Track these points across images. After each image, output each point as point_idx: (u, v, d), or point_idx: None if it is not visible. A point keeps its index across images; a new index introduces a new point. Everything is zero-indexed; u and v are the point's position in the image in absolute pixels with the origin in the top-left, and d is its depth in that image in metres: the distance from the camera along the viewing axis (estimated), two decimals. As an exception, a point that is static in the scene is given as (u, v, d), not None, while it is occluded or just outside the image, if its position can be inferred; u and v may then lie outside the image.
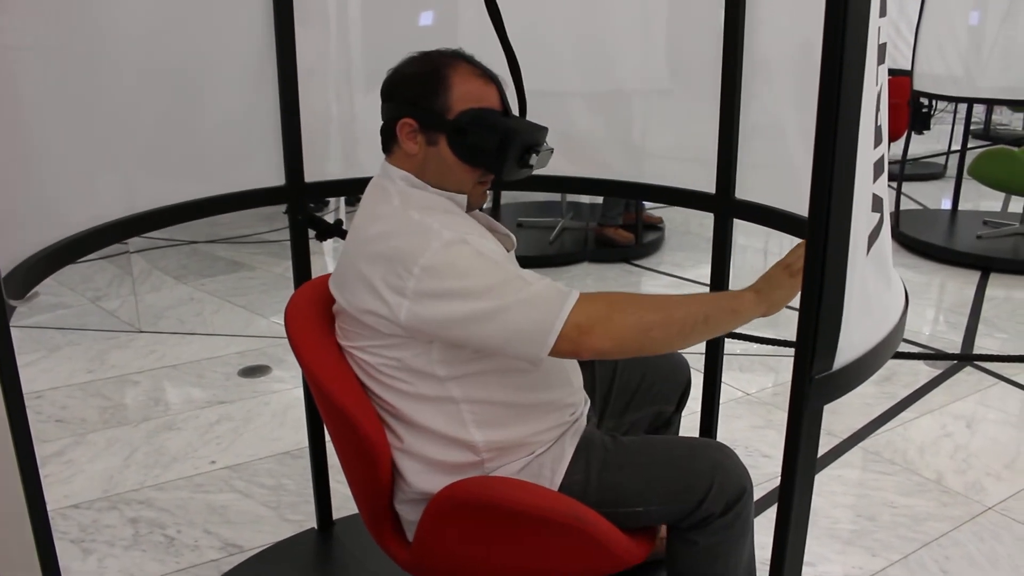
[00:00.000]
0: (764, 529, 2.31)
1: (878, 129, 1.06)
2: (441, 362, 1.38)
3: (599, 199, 5.12)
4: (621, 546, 1.41)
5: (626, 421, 1.80)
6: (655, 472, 1.48)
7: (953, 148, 6.79)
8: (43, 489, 1.13)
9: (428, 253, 1.29)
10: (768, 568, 1.08)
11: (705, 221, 5.54)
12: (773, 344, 3.50)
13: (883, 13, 1.03)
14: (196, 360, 3.46)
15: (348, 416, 1.40)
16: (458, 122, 1.39)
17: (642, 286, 4.49)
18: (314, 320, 1.53)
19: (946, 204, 6.06)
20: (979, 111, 8.80)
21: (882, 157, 1.11)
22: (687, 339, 1.36)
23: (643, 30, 2.07)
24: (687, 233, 5.34)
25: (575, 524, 1.37)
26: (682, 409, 1.91)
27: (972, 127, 6.41)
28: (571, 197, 5.23)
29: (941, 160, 7.47)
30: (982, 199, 5.93)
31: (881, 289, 1.16)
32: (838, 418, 2.98)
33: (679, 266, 4.74)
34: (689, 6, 1.98)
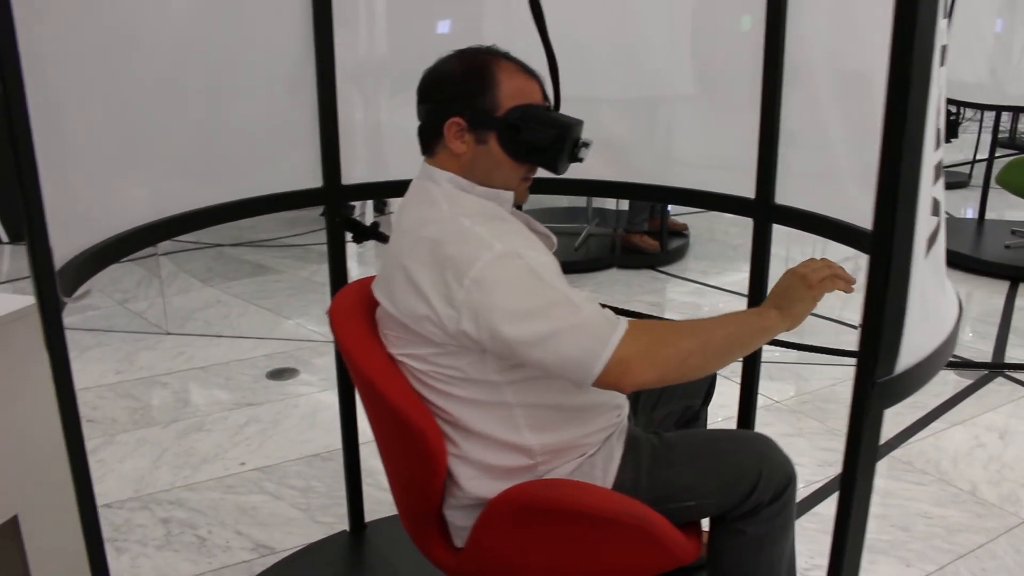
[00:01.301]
0: (800, 537, 2.31)
1: (938, 132, 1.05)
2: (496, 369, 1.37)
3: (624, 205, 5.11)
4: (678, 544, 1.41)
5: (656, 416, 1.81)
6: (704, 466, 1.50)
7: (979, 157, 6.75)
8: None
9: (479, 264, 1.27)
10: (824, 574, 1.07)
11: (730, 229, 5.57)
12: (814, 351, 3.48)
13: (945, 15, 1.02)
14: (224, 362, 3.47)
15: (406, 420, 1.38)
16: (508, 119, 1.39)
17: (667, 293, 4.47)
18: (361, 322, 1.52)
19: (971, 213, 6.02)
20: (1004, 119, 8.73)
21: (940, 160, 1.10)
22: (723, 362, 1.37)
23: (677, 36, 2.07)
24: (712, 240, 5.32)
25: (636, 523, 1.37)
26: (709, 402, 1.92)
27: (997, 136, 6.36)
28: (596, 203, 5.23)
29: (965, 169, 7.41)
30: (1007, 208, 5.88)
31: (937, 293, 1.15)
32: (868, 427, 2.95)
33: (704, 273, 4.72)
34: (722, 12, 1.98)
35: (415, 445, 1.39)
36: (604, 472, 1.48)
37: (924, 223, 1.02)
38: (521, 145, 1.40)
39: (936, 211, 1.10)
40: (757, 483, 1.48)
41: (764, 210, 1.86)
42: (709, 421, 2.02)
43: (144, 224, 1.62)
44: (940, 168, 1.10)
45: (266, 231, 5.20)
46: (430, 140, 1.45)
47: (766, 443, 1.53)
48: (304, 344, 3.66)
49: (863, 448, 0.99)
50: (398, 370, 1.44)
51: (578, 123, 1.45)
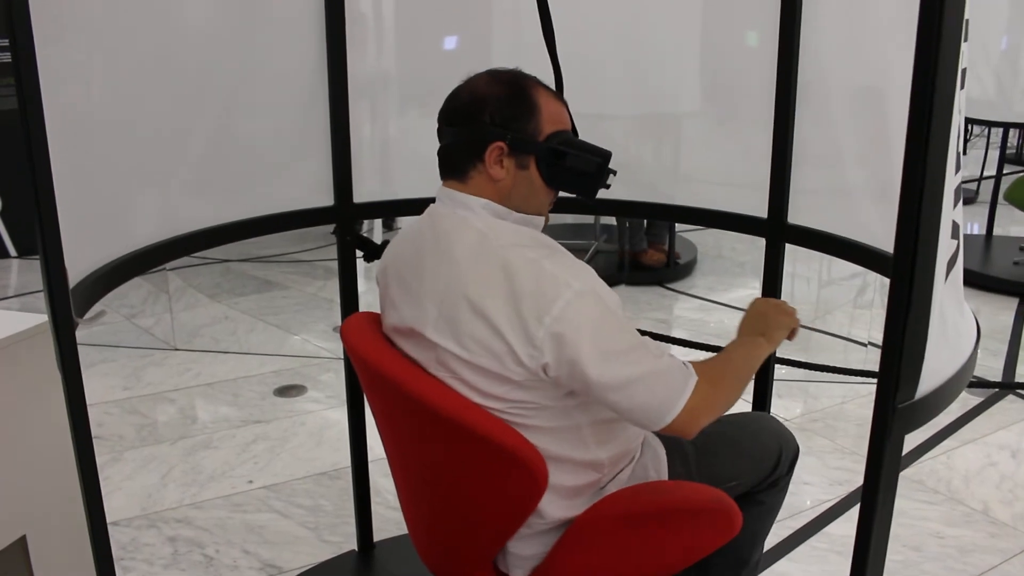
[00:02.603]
0: (809, 557, 2.29)
1: (957, 155, 1.05)
2: (567, 394, 1.33)
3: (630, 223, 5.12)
4: (740, 520, 1.45)
5: None
6: (739, 449, 1.62)
7: (987, 173, 6.74)
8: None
9: (560, 303, 1.23)
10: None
11: (737, 245, 5.55)
12: (839, 372, 3.47)
13: (965, 37, 1.02)
14: (231, 379, 3.47)
15: (509, 448, 1.27)
16: (550, 144, 1.35)
17: (675, 310, 4.46)
18: (391, 348, 1.44)
19: (978, 229, 6.00)
20: (1011, 135, 8.72)
21: (960, 183, 1.10)
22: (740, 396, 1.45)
23: (689, 53, 2.07)
24: (719, 257, 5.31)
25: (721, 507, 1.41)
26: None
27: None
28: (604, 219, 5.23)
29: (973, 186, 7.41)
30: (1015, 224, 5.87)
31: (956, 315, 1.14)
32: (879, 446, 2.94)
33: (711, 290, 4.71)
34: (734, 29, 1.98)
35: (516, 474, 1.29)
36: (656, 472, 1.52)
37: (944, 247, 1.02)
38: (563, 171, 1.36)
39: (955, 234, 1.09)
40: (779, 458, 1.65)
41: (777, 230, 1.85)
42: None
43: (158, 242, 1.62)
44: (959, 191, 1.10)
45: (273, 247, 5.20)
46: (463, 165, 1.37)
47: (776, 421, 1.74)
48: (311, 361, 3.66)
49: (883, 473, 0.98)
50: (460, 395, 1.34)
51: (609, 152, 1.43)
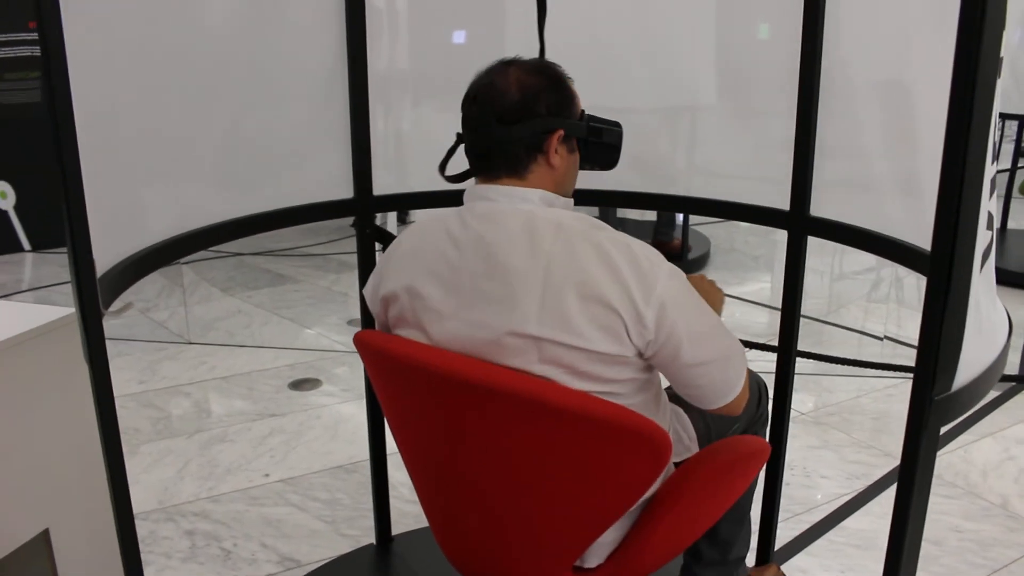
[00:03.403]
0: (827, 552, 2.28)
1: (994, 145, 1.04)
2: (647, 367, 1.36)
3: (649, 215, 5.12)
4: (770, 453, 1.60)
5: None
6: None
7: (1001, 167, 6.68)
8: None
9: (660, 284, 1.25)
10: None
11: (750, 238, 5.53)
12: (871, 367, 3.46)
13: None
14: (246, 372, 3.47)
15: (634, 427, 1.24)
16: (591, 125, 1.39)
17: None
18: (459, 355, 1.37)
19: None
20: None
21: (995, 173, 1.09)
22: None
23: (711, 45, 2.06)
24: (732, 250, 5.29)
25: (762, 449, 1.54)
26: None
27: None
28: (620, 213, 5.22)
29: (985, 178, 7.36)
30: (1026, 217, 5.85)
31: (990, 307, 1.13)
32: (895, 439, 2.92)
33: (725, 283, 4.65)
34: (755, 21, 1.97)
35: (644, 451, 1.26)
36: (686, 432, 1.58)
37: (980, 238, 1.01)
38: (598, 148, 1.40)
39: (990, 225, 1.08)
40: (761, 395, 1.79)
41: (799, 222, 1.84)
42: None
43: (180, 234, 1.62)
44: (995, 182, 1.09)
45: (286, 240, 5.20)
46: (525, 160, 1.35)
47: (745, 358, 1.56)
48: (326, 354, 3.66)
49: (920, 465, 0.97)
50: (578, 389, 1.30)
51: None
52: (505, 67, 1.36)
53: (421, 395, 1.38)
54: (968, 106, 0.86)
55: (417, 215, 4.99)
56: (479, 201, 1.36)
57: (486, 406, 1.28)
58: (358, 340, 1.44)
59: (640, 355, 1.29)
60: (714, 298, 1.60)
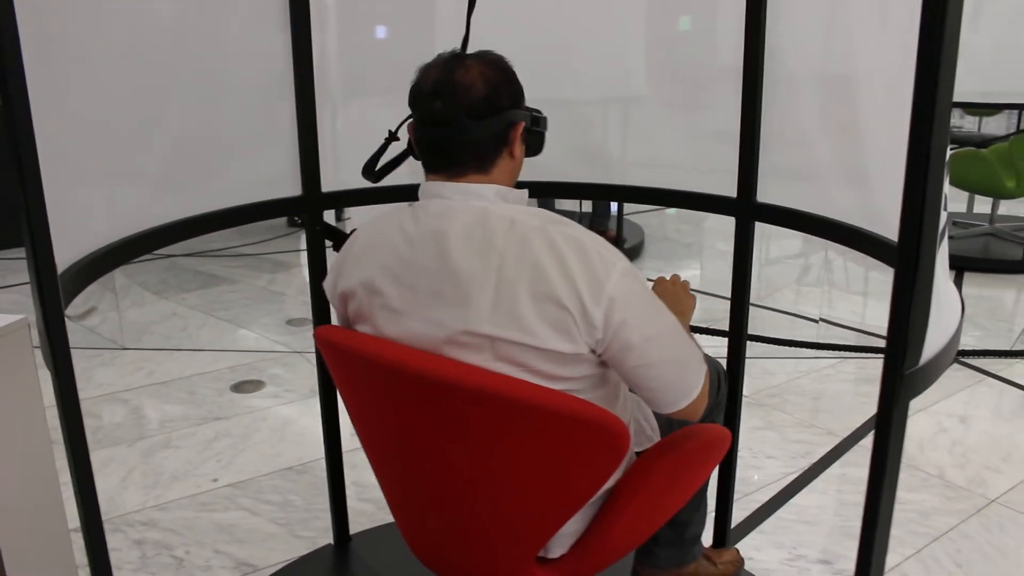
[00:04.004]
0: (778, 529, 2.35)
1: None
2: (601, 363, 1.34)
3: (587, 207, 5.17)
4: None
5: None
6: None
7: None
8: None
9: (612, 281, 1.24)
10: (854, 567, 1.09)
11: (682, 227, 5.63)
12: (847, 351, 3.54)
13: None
14: (186, 376, 3.39)
15: (595, 418, 1.23)
16: (536, 114, 1.38)
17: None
18: (419, 351, 1.36)
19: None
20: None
21: (948, 156, 1.13)
22: None
23: (657, 37, 2.09)
24: (664, 239, 5.39)
25: (723, 436, 1.55)
26: None
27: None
28: (558, 204, 5.26)
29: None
30: (949, 201, 6.08)
31: (946, 285, 1.18)
32: (835, 417, 3.03)
33: (660, 271, 4.77)
34: (702, 15, 2.00)
35: (603, 443, 1.26)
36: (648, 422, 1.59)
37: (941, 219, 1.05)
38: (537, 137, 1.40)
39: (945, 205, 1.13)
40: (720, 380, 1.82)
41: (746, 208, 1.89)
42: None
43: (132, 234, 1.58)
44: (948, 164, 1.13)
45: (218, 241, 5.10)
46: (491, 154, 1.34)
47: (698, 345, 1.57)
48: (266, 355, 3.60)
49: (891, 437, 1.01)
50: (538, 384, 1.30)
51: None
52: (461, 61, 1.34)
53: (382, 390, 1.38)
54: (931, 94, 0.89)
55: (354, 212, 4.94)
56: (433, 199, 1.35)
57: (445, 401, 1.28)
58: (319, 336, 1.42)
59: (593, 352, 1.29)
60: (683, 302, 1.61)
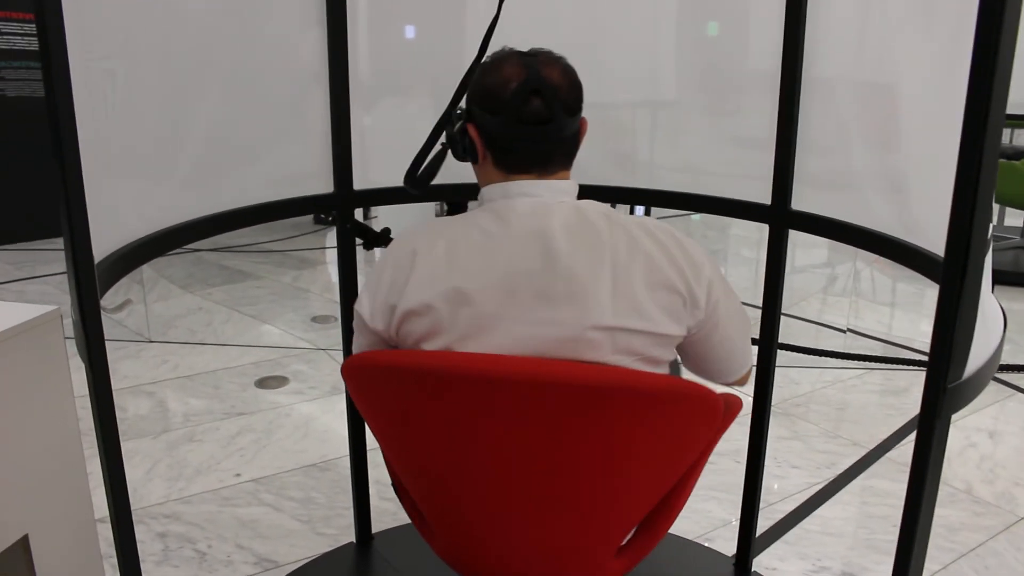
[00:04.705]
0: (803, 540, 2.32)
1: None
2: None
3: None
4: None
5: None
6: None
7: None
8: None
9: (707, 266, 1.33)
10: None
11: (708, 233, 5.59)
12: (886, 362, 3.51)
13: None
14: (211, 371, 3.41)
15: (689, 391, 1.22)
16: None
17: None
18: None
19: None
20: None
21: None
22: None
23: (690, 42, 2.08)
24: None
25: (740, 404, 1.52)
26: None
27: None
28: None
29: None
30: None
31: (987, 299, 1.16)
32: (860, 428, 2.99)
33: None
34: (740, 22, 1.99)
35: (705, 417, 1.26)
36: None
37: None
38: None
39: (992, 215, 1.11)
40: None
41: (781, 216, 1.87)
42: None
43: (166, 228, 1.58)
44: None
45: (244, 236, 5.13)
46: (574, 151, 1.36)
47: None
48: (291, 351, 3.61)
49: (932, 451, 0.99)
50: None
51: None
52: (538, 59, 1.30)
53: (468, 406, 1.25)
54: (985, 102, 0.88)
55: (380, 211, 4.94)
56: (519, 198, 1.31)
57: (566, 403, 1.21)
58: (360, 364, 1.29)
59: (688, 331, 1.34)
60: None
